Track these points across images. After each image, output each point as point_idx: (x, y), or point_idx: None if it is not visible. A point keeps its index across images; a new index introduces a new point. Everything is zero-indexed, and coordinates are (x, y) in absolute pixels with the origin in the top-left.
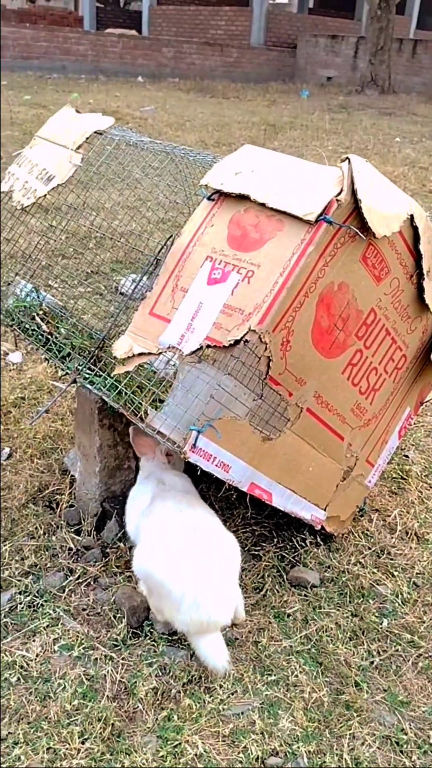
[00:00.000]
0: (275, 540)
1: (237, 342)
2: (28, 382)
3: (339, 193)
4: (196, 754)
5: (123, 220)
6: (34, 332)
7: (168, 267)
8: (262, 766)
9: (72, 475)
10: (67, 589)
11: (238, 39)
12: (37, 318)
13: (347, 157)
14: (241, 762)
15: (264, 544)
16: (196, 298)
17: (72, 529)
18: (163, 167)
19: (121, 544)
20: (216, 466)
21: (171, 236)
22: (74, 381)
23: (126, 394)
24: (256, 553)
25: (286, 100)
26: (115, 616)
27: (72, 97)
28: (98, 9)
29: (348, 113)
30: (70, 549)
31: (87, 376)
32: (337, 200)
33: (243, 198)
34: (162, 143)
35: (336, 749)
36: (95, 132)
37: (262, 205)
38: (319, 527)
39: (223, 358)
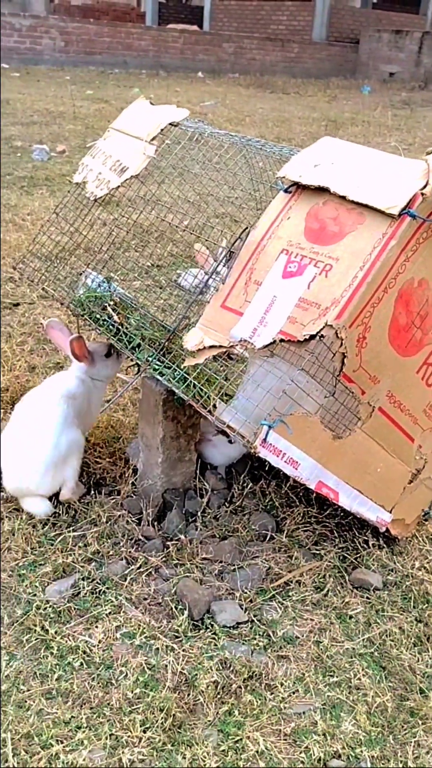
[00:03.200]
0: (336, 540)
1: (312, 337)
2: None
3: (424, 187)
4: (257, 751)
5: (187, 213)
6: (105, 322)
7: (241, 260)
8: (324, 767)
9: (133, 465)
10: (128, 578)
11: (300, 34)
12: (108, 308)
13: None
14: (302, 762)
15: (325, 544)
16: (270, 292)
17: (133, 519)
18: (234, 162)
19: (182, 536)
20: (285, 462)
21: (246, 228)
22: (140, 371)
23: (195, 386)
24: (317, 552)
25: (348, 95)
26: (176, 608)
27: (133, 92)
28: (160, 4)
29: (411, 109)
30: (132, 538)
31: (156, 367)
32: (422, 194)
33: (322, 190)
34: (237, 135)
35: (400, 756)
36: (170, 124)
37: (343, 197)
38: (383, 529)
39: (294, 354)
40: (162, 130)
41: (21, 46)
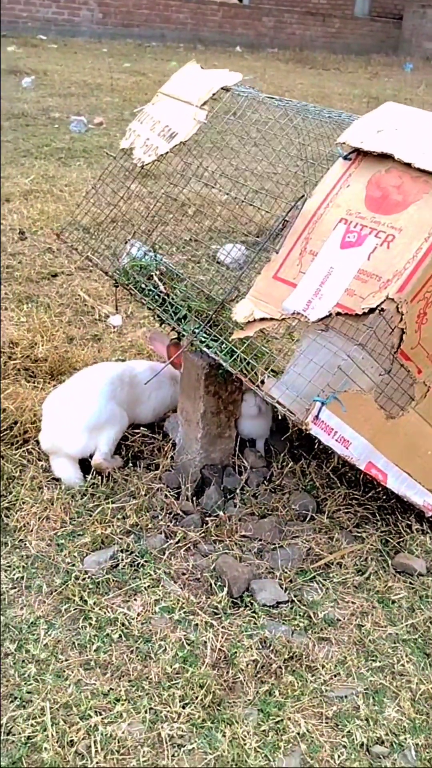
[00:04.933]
0: (378, 523)
1: (372, 310)
2: (128, 346)
3: None
4: (298, 733)
5: (224, 188)
6: (150, 292)
7: (296, 229)
8: (368, 753)
9: (172, 440)
10: (167, 552)
11: (341, 9)
12: (155, 277)
13: None
14: (344, 746)
15: (366, 526)
16: (326, 263)
17: (172, 493)
18: (273, 136)
19: (221, 513)
20: (336, 440)
21: (302, 196)
22: (183, 348)
23: (243, 360)
24: (359, 534)
25: (389, 72)
26: (215, 584)
27: (170, 65)
28: None
29: None
30: (170, 512)
31: (203, 339)
32: None
33: (385, 157)
34: (293, 101)
35: None
36: (222, 88)
37: (407, 165)
38: (429, 514)
39: (351, 328)
40: (213, 94)
41: (59, 18)
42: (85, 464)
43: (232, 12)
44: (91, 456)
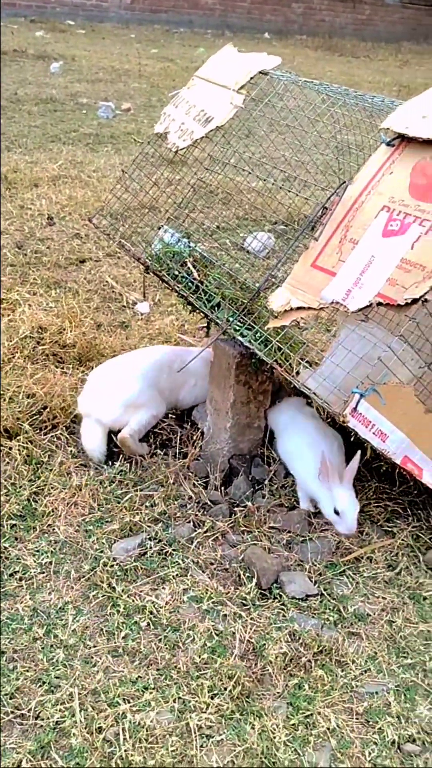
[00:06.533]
0: (410, 518)
1: (415, 301)
2: (155, 333)
3: None
4: (328, 728)
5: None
6: (184, 279)
7: (336, 217)
8: (399, 751)
9: (201, 429)
10: (195, 541)
11: None
12: (188, 264)
13: None
14: (375, 743)
15: (397, 521)
16: (367, 251)
17: (200, 482)
18: (301, 126)
19: (249, 503)
20: (373, 433)
21: (343, 182)
22: (216, 337)
23: (278, 350)
24: (389, 529)
25: (420, 61)
26: (243, 575)
27: (198, 51)
28: None
29: None
30: (198, 501)
31: (237, 327)
32: None
33: (430, 144)
34: (333, 85)
35: None
36: (260, 72)
37: None
38: None
39: (392, 319)
40: (251, 78)
41: (87, 2)
42: (112, 452)
43: None
44: (119, 431)
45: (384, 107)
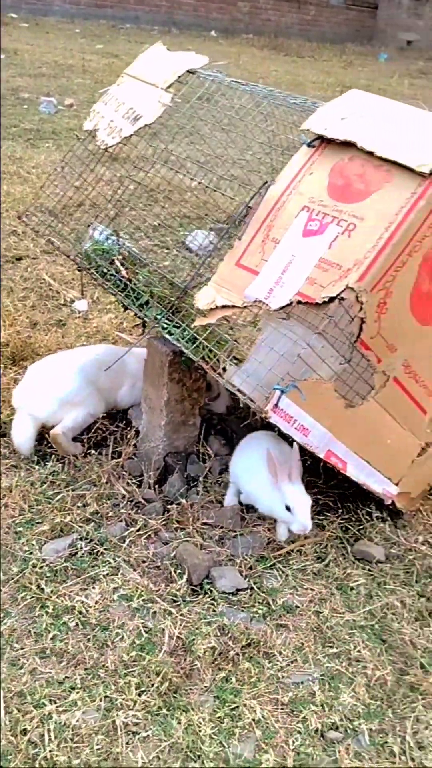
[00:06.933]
0: (340, 511)
1: (332, 299)
2: (93, 331)
3: None
4: (254, 719)
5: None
6: (113, 277)
7: (259, 216)
8: (322, 738)
9: (135, 428)
10: (127, 540)
11: None
12: (116, 262)
13: None
14: (299, 732)
15: (328, 514)
16: (288, 251)
17: (134, 481)
18: (245, 124)
19: (183, 500)
20: (295, 429)
21: (265, 182)
22: (146, 332)
23: (205, 347)
24: (320, 522)
25: (364, 62)
26: (174, 572)
27: (144, 48)
28: None
29: (428, 79)
30: (132, 500)
31: (165, 326)
32: None
33: (348, 145)
34: (259, 86)
35: (399, 730)
36: (188, 71)
37: (370, 153)
38: (389, 502)
39: (312, 317)
40: (179, 77)
41: None
42: (45, 453)
43: None
44: (52, 427)
45: (307, 108)
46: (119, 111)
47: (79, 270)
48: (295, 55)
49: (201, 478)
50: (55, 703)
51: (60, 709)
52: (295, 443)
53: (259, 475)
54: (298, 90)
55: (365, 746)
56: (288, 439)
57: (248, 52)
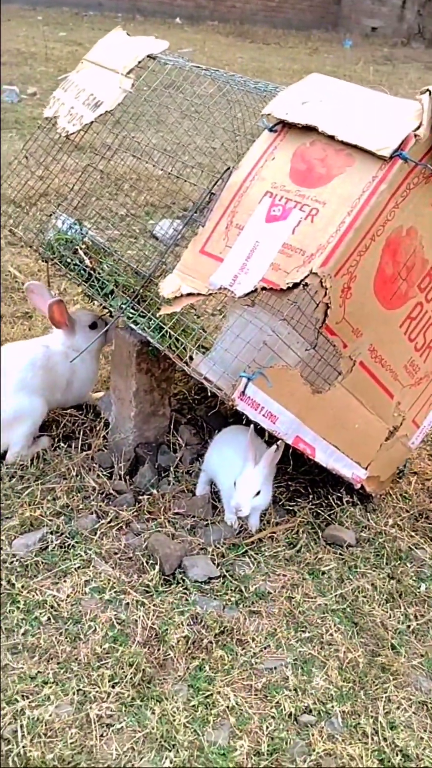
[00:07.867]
0: (311, 496)
1: (296, 285)
2: None
3: (417, 128)
4: (227, 706)
5: (159, 162)
6: (76, 267)
7: (222, 202)
8: (295, 722)
9: (105, 419)
10: (98, 532)
11: None
12: (80, 251)
13: (428, 89)
14: (273, 717)
15: (299, 500)
16: (252, 237)
17: (104, 473)
18: (210, 113)
19: (154, 491)
20: (263, 416)
21: (228, 168)
22: (113, 321)
23: (171, 336)
24: (291, 508)
25: (329, 49)
26: (147, 562)
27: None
28: None
29: (393, 66)
30: (102, 492)
31: (131, 315)
32: (415, 135)
33: (309, 130)
34: (220, 71)
35: (371, 711)
36: (148, 56)
37: (331, 137)
38: (358, 486)
39: (276, 303)
40: (139, 62)
41: None
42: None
43: None
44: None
45: (269, 93)
46: (79, 98)
47: (43, 261)
48: (261, 42)
49: (172, 468)
50: (28, 698)
51: (33, 704)
52: (273, 447)
53: (234, 468)
54: (265, 77)
55: (338, 728)
56: (258, 427)
57: (213, 39)
